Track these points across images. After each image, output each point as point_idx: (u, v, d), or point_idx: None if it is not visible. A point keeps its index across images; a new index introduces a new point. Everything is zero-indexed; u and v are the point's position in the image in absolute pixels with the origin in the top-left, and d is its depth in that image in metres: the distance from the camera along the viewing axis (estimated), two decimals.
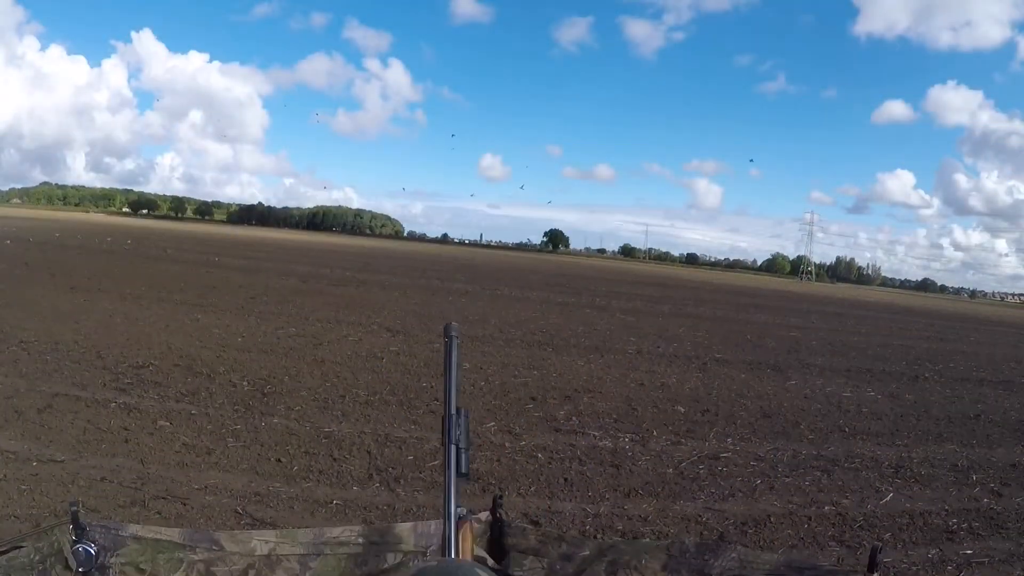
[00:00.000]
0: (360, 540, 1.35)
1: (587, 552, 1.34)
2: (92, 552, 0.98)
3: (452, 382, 0.85)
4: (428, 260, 43.39)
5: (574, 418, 6.68)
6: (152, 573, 1.15)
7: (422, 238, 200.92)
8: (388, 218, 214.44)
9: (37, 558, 1.06)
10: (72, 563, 1.03)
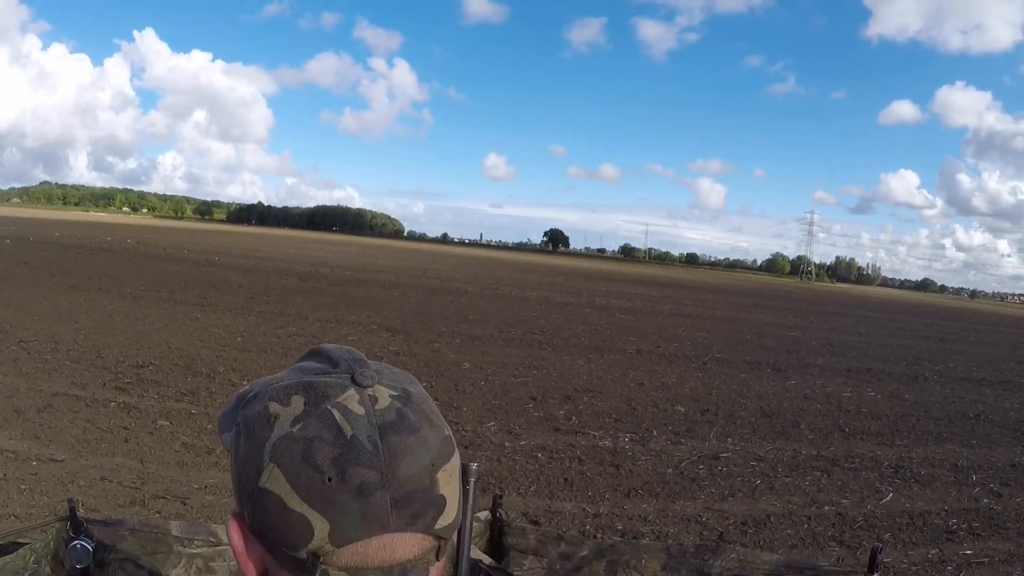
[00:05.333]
0: None
1: (586, 552, 1.34)
2: (89, 548, 0.97)
3: (467, 535, 0.65)
4: (428, 259, 43.42)
5: (574, 418, 6.68)
6: (151, 568, 1.15)
7: (422, 238, 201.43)
8: (388, 217, 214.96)
9: (32, 559, 1.06)
10: (69, 559, 1.03)
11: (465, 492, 0.60)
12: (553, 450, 5.58)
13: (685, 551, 1.29)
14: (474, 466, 0.61)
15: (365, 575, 0.52)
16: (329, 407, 0.52)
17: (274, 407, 0.53)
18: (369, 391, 0.54)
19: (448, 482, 0.55)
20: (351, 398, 0.53)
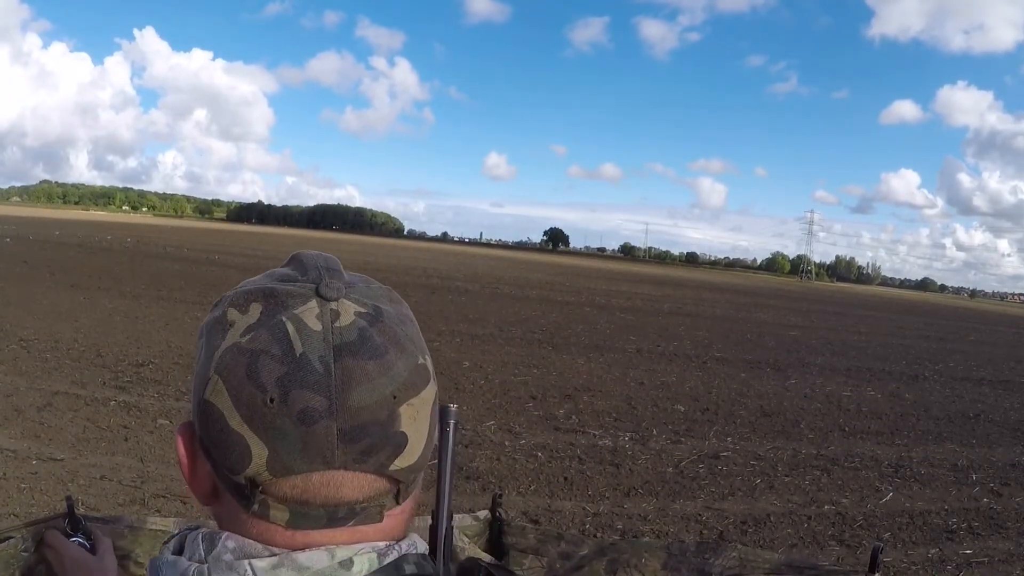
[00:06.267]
0: None
1: (587, 551, 1.33)
2: (87, 546, 0.97)
3: (447, 484, 0.57)
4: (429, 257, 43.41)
5: (574, 417, 6.68)
6: None
7: (422, 236, 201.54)
8: (389, 216, 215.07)
9: (22, 547, 1.06)
10: None
11: (443, 436, 0.54)
12: (553, 449, 5.58)
13: (686, 550, 1.29)
14: (453, 407, 0.55)
15: (308, 511, 0.47)
16: (284, 319, 0.46)
17: (232, 313, 0.48)
18: (332, 305, 0.47)
19: (413, 418, 0.48)
20: (309, 311, 0.47)
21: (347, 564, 0.47)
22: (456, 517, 1.35)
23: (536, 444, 5.66)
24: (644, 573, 1.26)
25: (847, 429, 7.17)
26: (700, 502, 4.74)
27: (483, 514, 1.44)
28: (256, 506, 0.47)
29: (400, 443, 0.48)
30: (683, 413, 7.24)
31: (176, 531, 0.54)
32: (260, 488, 0.47)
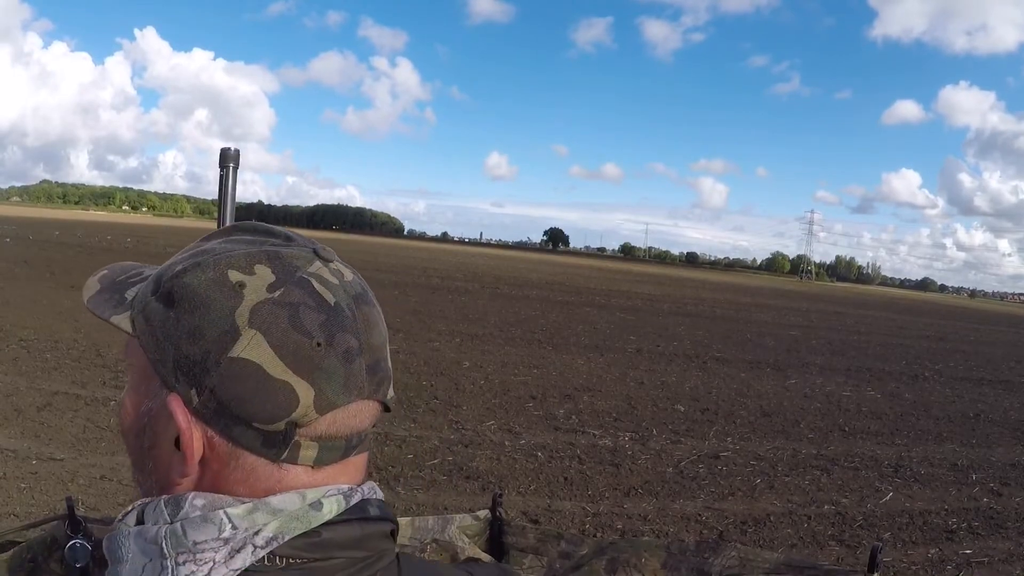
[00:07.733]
0: None
1: (586, 550, 1.33)
2: (88, 547, 0.96)
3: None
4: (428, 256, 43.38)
5: (574, 417, 6.68)
6: None
7: (422, 236, 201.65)
8: (389, 216, 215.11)
9: (28, 556, 1.05)
10: (67, 558, 1.02)
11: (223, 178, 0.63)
12: (553, 449, 5.58)
13: (685, 549, 1.29)
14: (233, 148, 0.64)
15: (331, 444, 0.52)
16: (304, 276, 0.51)
17: (235, 275, 0.50)
18: (332, 265, 0.54)
19: (390, 357, 0.58)
20: (322, 269, 0.52)
21: (317, 506, 0.50)
22: (456, 517, 1.35)
23: (536, 444, 5.66)
24: (644, 572, 1.26)
25: (847, 429, 7.17)
26: (700, 502, 4.74)
27: (483, 514, 1.44)
28: (286, 451, 0.50)
29: (391, 376, 0.57)
30: (683, 413, 7.25)
31: (130, 507, 0.55)
32: (298, 429, 0.50)
